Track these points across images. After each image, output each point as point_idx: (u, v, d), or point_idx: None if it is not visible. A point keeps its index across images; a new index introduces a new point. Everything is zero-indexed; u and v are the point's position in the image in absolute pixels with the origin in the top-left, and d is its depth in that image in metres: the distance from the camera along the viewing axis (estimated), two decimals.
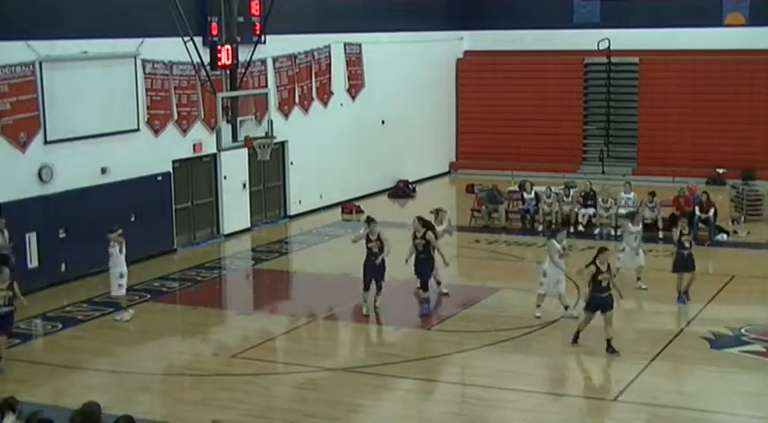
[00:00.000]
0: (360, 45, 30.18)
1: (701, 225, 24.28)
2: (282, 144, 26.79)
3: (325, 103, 28.89)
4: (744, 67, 32.32)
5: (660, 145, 33.37)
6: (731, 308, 18.43)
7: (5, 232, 18.55)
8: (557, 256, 17.70)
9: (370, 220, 18.56)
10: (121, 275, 18.11)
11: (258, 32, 22.67)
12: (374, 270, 18.21)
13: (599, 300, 15.85)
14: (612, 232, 24.72)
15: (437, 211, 20.31)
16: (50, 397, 14.29)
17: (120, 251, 18.10)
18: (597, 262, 15.88)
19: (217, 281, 21.72)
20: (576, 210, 25.63)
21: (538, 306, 17.80)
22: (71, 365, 15.80)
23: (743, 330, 16.85)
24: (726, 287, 19.87)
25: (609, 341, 15.77)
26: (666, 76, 33.29)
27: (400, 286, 20.30)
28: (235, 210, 25.51)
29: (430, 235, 18.37)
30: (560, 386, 14.75)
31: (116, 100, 21.84)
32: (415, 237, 18.53)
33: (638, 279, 19.61)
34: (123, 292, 18.19)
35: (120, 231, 18.18)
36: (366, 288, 18.36)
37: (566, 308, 17.76)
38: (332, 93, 29.13)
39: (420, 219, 18.71)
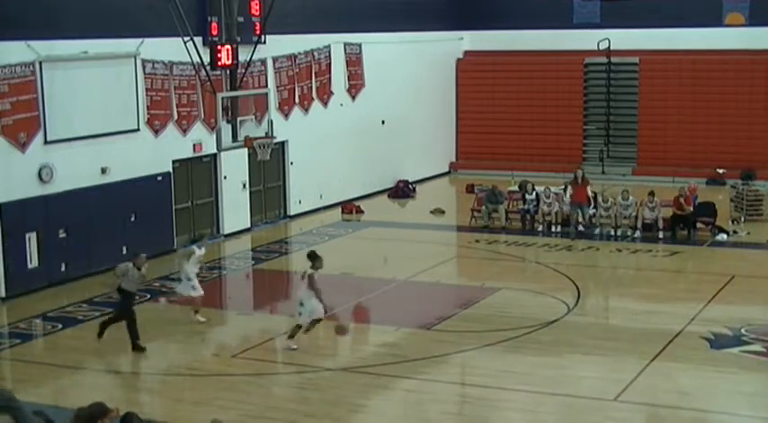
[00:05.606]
0: (360, 45, 30.17)
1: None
2: (282, 144, 26.78)
3: (325, 103, 28.87)
4: (744, 67, 32.29)
5: (660, 145, 33.35)
6: (731, 308, 18.40)
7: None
8: None
9: None
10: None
11: (258, 32, 22.70)
12: None
13: None
14: (612, 232, 24.72)
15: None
16: (50, 397, 14.28)
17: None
18: None
19: (217, 281, 21.71)
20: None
21: None
22: (71, 365, 15.79)
23: (743, 330, 16.84)
24: (726, 287, 19.85)
25: None
26: (666, 76, 33.26)
27: (400, 286, 20.32)
28: (235, 210, 25.51)
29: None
30: (560, 386, 14.73)
31: (116, 100, 21.82)
32: None
33: None
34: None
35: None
36: None
37: None
38: (332, 93, 29.12)
39: None
